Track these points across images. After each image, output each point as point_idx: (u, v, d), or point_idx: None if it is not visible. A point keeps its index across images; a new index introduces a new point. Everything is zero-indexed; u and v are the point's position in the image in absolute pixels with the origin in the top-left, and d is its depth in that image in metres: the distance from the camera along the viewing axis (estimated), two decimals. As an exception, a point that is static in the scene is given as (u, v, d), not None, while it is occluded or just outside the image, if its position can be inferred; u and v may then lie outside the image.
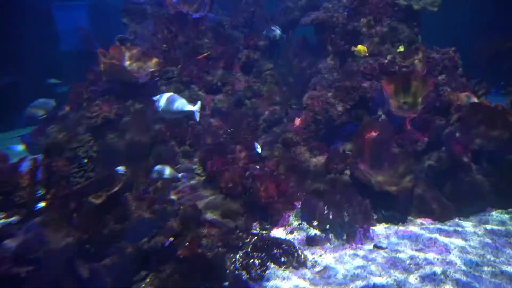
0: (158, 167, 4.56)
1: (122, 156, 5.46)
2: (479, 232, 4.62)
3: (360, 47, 6.09)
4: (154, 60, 6.15)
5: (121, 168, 4.32)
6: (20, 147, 6.67)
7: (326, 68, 6.75)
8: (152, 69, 6.03)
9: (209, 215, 4.46)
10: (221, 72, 7.02)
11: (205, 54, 6.91)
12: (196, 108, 4.50)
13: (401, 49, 6.66)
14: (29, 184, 2.85)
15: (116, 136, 5.15)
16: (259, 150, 5.57)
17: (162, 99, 4.52)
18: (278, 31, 7.79)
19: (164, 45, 6.67)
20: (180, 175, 4.66)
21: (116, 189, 2.96)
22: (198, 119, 4.57)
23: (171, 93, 4.64)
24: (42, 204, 2.98)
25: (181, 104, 4.47)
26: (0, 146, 8.95)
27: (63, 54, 13.55)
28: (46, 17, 13.62)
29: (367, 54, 6.06)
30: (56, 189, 2.70)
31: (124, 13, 7.65)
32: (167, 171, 4.58)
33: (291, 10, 8.69)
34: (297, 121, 5.86)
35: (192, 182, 4.95)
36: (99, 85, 5.96)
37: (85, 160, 3.91)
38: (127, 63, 6.00)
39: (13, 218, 2.77)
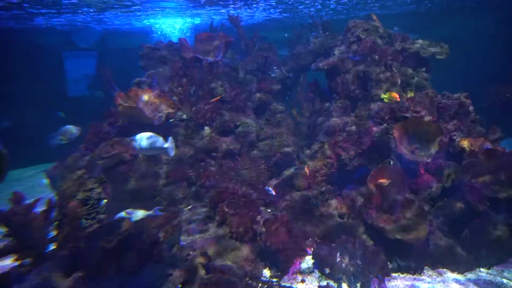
0: (125, 212, 4.37)
1: (133, 196, 5.49)
2: (502, 287, 4.38)
3: (390, 94, 6.18)
4: (169, 103, 6.33)
5: (130, 211, 4.30)
6: (46, 181, 6.85)
7: (337, 112, 6.82)
8: (167, 111, 6.20)
9: (219, 261, 4.36)
10: (234, 114, 7.15)
11: (218, 97, 7.09)
12: (168, 144, 4.93)
13: (411, 94, 6.74)
14: (42, 226, 2.84)
15: (129, 177, 5.19)
16: (273, 192, 5.56)
17: (139, 138, 4.85)
18: (284, 71, 8.13)
19: (180, 88, 6.89)
20: (152, 211, 4.57)
21: (126, 233, 2.93)
22: (172, 154, 5.04)
23: (147, 133, 4.96)
24: (53, 246, 2.95)
25: (155, 141, 4.86)
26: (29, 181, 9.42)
27: (73, 98, 14.50)
28: (58, 65, 14.67)
29: (398, 99, 6.13)
30: (67, 232, 2.68)
31: (142, 58, 7.99)
32: (138, 214, 4.39)
33: (303, 55, 8.97)
34: (307, 168, 5.83)
35: (202, 225, 4.89)
36: (116, 126, 6.13)
37: (104, 201, 3.94)
38: (143, 105, 6.18)
39: (25, 261, 2.74)
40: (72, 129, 6.96)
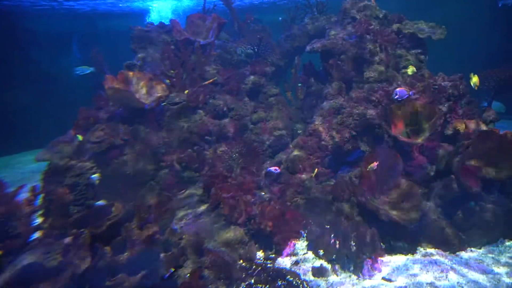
0: None
1: (125, 181, 5.43)
2: (493, 265, 4.43)
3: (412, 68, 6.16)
4: (161, 86, 6.21)
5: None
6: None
7: (331, 94, 6.73)
8: (159, 95, 6.08)
9: (212, 244, 4.35)
10: (227, 97, 7.05)
11: (211, 80, 6.97)
12: None
13: (409, 71, 6.58)
14: (25, 214, 2.77)
15: (120, 162, 5.12)
16: (275, 171, 5.60)
17: None
18: (248, 50, 8.18)
19: (172, 71, 6.74)
20: None
21: (116, 218, 2.89)
22: None
23: None
24: (38, 234, 2.88)
25: None
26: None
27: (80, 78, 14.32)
28: (65, 45, 14.47)
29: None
30: (53, 219, 2.62)
31: (133, 40, 7.79)
32: None
33: (298, 37, 8.81)
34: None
35: (196, 209, 4.87)
36: (106, 110, 6.01)
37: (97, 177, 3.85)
38: (134, 88, 6.06)
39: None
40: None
